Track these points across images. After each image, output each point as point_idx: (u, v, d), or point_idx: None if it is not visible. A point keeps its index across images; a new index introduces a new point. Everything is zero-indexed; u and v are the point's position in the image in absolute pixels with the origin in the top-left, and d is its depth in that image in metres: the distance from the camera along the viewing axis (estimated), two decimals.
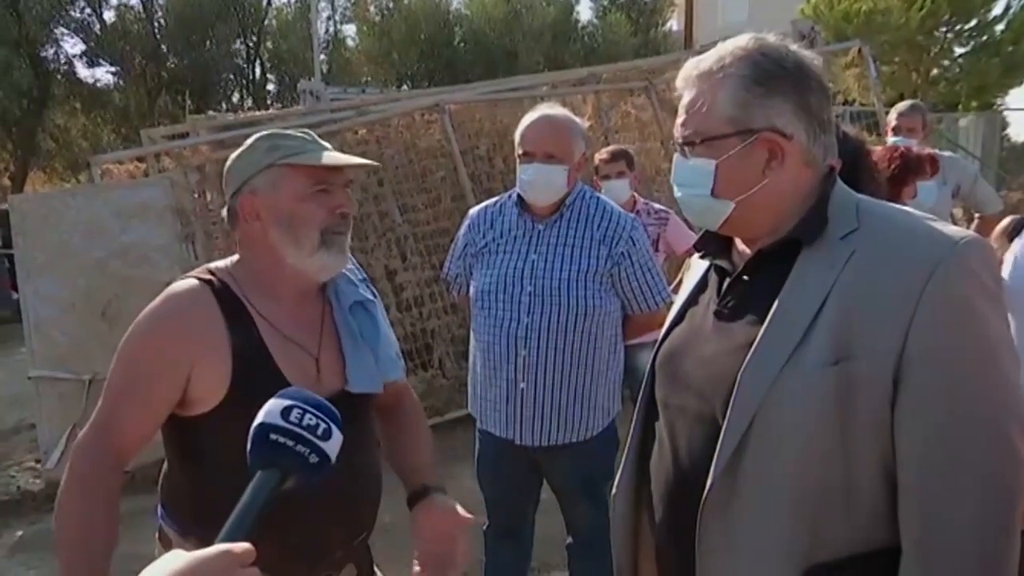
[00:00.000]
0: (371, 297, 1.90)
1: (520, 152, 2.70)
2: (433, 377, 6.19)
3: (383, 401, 1.91)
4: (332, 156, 1.71)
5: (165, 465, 1.82)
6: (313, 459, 1.14)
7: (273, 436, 1.13)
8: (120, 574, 1.69)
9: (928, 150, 3.46)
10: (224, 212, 1.77)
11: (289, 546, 1.67)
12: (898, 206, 1.36)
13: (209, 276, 1.73)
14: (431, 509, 1.80)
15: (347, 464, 1.72)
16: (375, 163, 1.86)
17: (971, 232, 1.25)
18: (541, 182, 2.66)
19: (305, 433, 1.14)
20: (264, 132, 1.77)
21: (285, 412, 1.15)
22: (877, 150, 3.46)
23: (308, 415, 1.15)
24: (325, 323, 1.80)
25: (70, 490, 1.62)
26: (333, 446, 1.16)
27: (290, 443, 1.13)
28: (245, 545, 0.98)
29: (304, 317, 1.77)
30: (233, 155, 1.78)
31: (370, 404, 1.85)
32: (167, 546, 1.77)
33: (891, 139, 4.73)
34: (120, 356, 1.70)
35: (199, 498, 1.72)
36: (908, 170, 3.24)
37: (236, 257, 1.80)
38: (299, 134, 1.74)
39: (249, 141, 1.76)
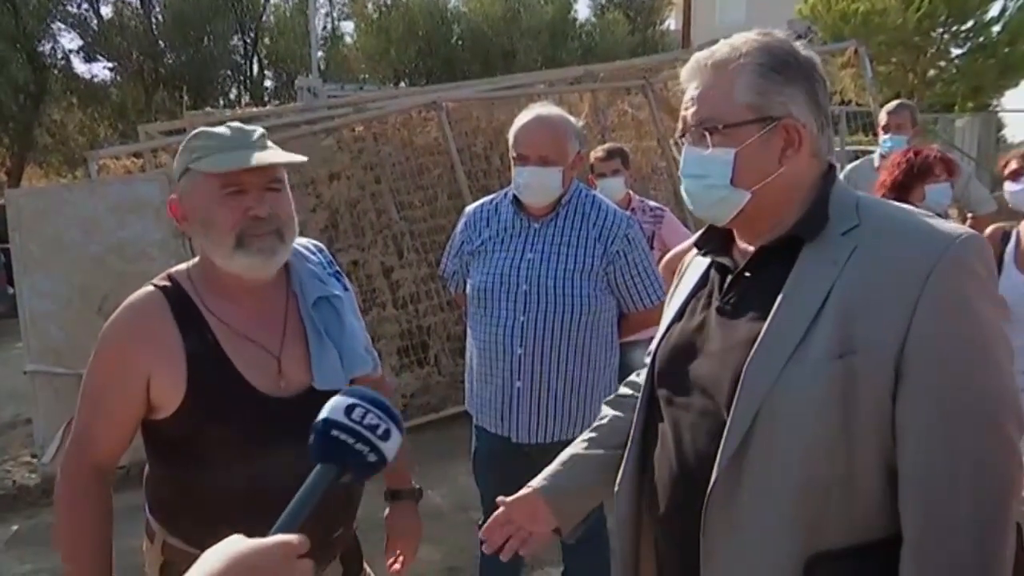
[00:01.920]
0: (338, 292, 1.87)
1: (514, 155, 2.69)
2: (429, 374, 6.21)
3: None
4: (242, 157, 1.65)
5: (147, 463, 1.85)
6: (371, 458, 1.16)
7: (335, 432, 1.15)
8: (118, 568, 1.72)
9: (938, 151, 3.45)
10: None
11: None
12: (897, 203, 1.37)
13: (165, 282, 1.75)
14: (396, 516, 2.06)
15: None
16: (297, 159, 1.75)
17: (969, 228, 1.27)
18: (536, 185, 2.65)
19: (366, 432, 1.15)
20: (195, 131, 1.74)
21: (349, 409, 1.16)
22: (892, 157, 3.46)
23: (370, 414, 1.17)
24: (289, 319, 1.78)
25: (62, 512, 1.74)
26: (392, 446, 1.18)
27: (350, 440, 1.15)
28: (300, 536, 1.01)
29: (263, 315, 1.76)
30: None
31: None
32: (152, 540, 1.80)
33: (883, 137, 4.78)
34: (87, 371, 1.74)
35: (174, 496, 1.76)
36: (913, 175, 3.22)
37: (198, 258, 1.80)
38: (222, 131, 1.70)
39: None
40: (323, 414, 1.17)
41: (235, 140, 1.69)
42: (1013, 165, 3.57)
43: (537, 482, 1.63)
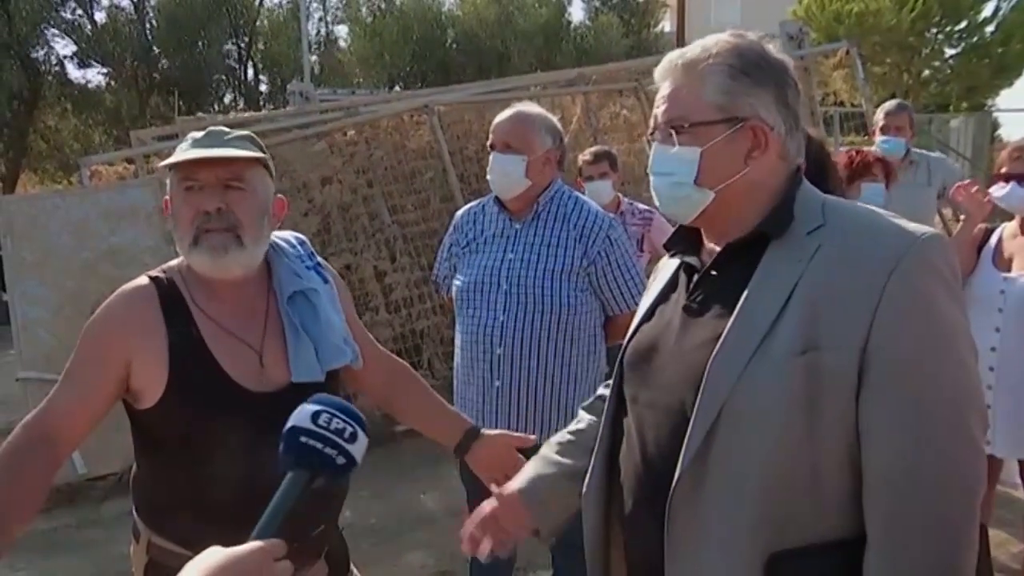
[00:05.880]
0: (314, 286, 1.88)
1: (489, 146, 2.77)
2: (422, 378, 6.19)
3: (368, 381, 2.01)
4: (195, 152, 1.69)
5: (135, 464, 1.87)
6: (340, 460, 1.21)
7: (303, 439, 1.20)
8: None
9: (879, 153, 3.53)
10: None
11: (239, 542, 1.69)
12: (862, 204, 1.38)
13: (159, 274, 1.80)
14: (482, 446, 2.04)
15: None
16: (250, 154, 1.74)
17: (932, 228, 1.27)
18: (498, 171, 2.70)
19: (333, 436, 1.21)
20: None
21: (315, 416, 1.22)
22: (840, 155, 3.57)
23: (336, 419, 1.22)
24: (270, 315, 1.82)
25: None
26: (359, 448, 1.23)
27: (319, 445, 1.20)
28: (275, 541, 1.07)
29: (245, 310, 1.80)
30: None
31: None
32: (137, 540, 1.81)
33: (880, 139, 4.68)
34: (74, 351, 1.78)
35: (162, 495, 1.78)
36: (853, 171, 3.38)
37: None
38: (200, 133, 1.76)
39: None
40: (290, 422, 1.22)
41: (205, 140, 1.73)
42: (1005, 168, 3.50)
43: (518, 483, 1.65)
